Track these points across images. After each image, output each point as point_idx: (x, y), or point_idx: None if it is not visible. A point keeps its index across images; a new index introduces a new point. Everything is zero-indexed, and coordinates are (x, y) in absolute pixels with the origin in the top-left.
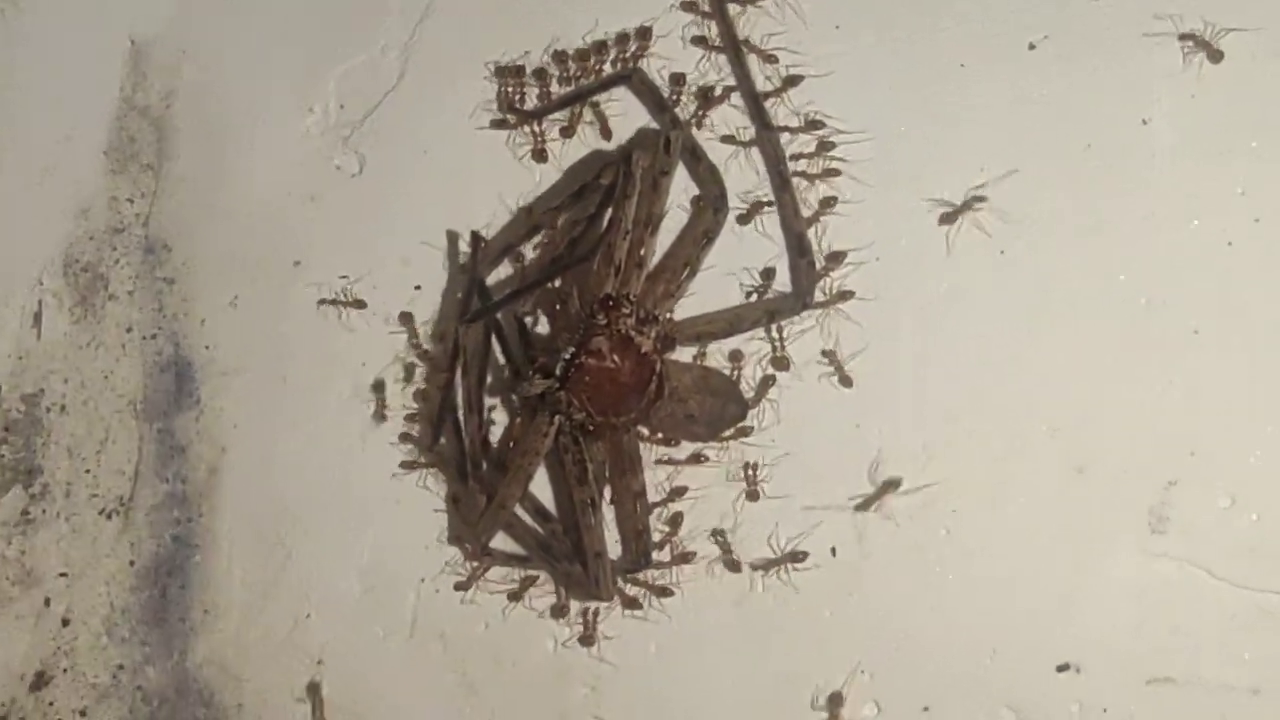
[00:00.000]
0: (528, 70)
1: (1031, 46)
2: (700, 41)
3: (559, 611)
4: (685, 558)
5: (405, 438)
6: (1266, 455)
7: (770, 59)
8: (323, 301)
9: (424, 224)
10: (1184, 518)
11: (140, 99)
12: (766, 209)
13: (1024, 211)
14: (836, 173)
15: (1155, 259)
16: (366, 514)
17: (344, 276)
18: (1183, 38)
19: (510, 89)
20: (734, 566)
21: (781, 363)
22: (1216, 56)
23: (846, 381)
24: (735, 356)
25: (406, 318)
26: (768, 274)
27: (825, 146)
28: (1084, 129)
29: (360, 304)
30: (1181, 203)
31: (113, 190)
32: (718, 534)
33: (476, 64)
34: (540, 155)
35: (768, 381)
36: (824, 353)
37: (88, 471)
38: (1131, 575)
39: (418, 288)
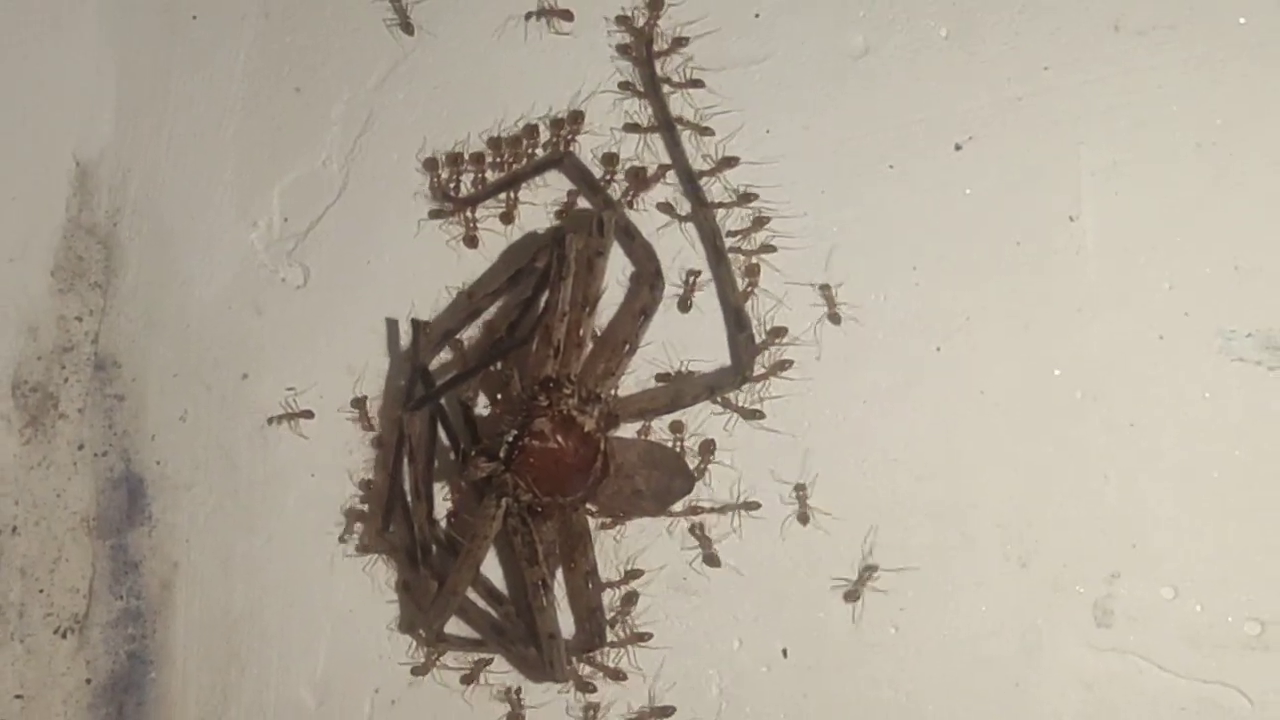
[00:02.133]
0: (465, 157)
1: (958, 147)
2: (634, 128)
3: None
4: (640, 637)
5: (356, 514)
6: (1206, 545)
7: (705, 131)
8: (271, 419)
9: (368, 333)
10: (1128, 610)
11: (87, 218)
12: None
13: (957, 307)
14: (772, 249)
15: (1088, 353)
16: (319, 625)
17: (290, 389)
18: None
19: (444, 178)
20: (713, 561)
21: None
22: None
23: (803, 519)
24: (677, 428)
25: (360, 402)
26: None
27: (760, 222)
28: (1013, 226)
29: (308, 414)
30: (1111, 297)
31: (61, 309)
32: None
33: (417, 169)
34: (471, 241)
35: (708, 447)
36: (796, 487)
37: (41, 591)
38: (1079, 668)
39: (364, 397)
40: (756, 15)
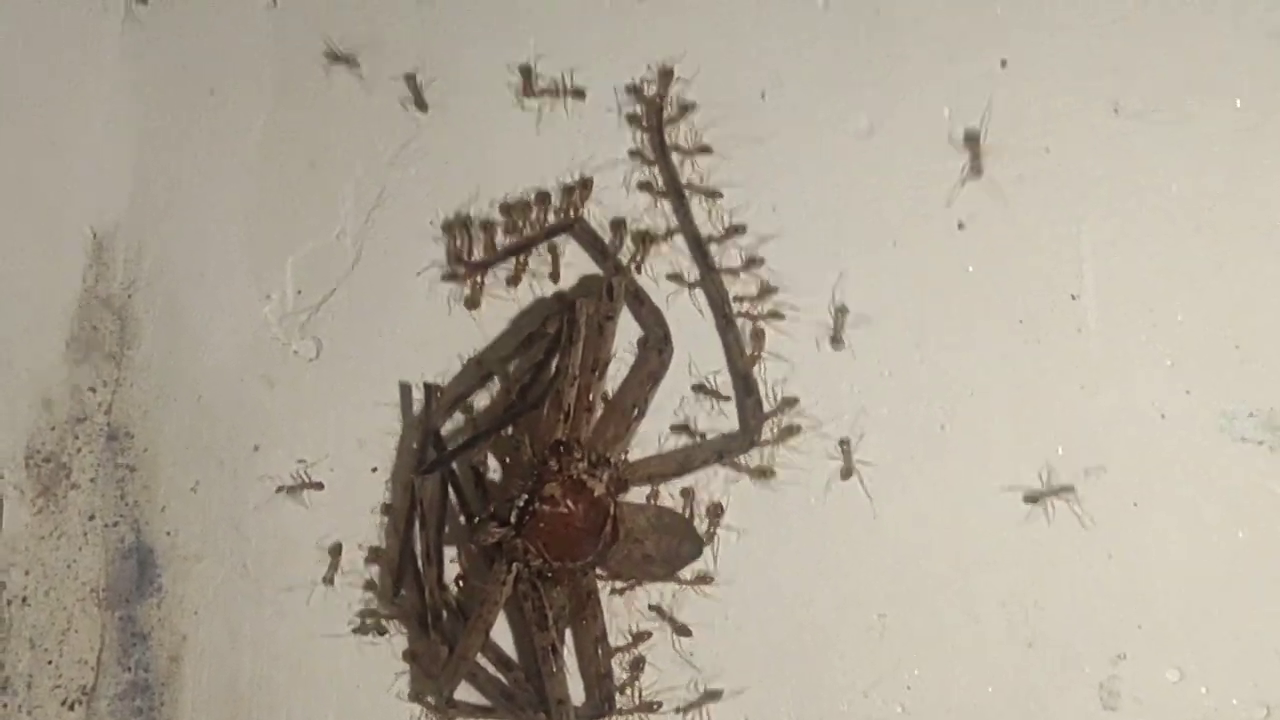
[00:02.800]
0: (475, 222)
1: (961, 225)
2: (646, 187)
3: None
4: (649, 706)
5: (369, 585)
6: (1212, 627)
7: (714, 195)
8: (280, 489)
9: (380, 405)
10: (1134, 692)
11: (102, 289)
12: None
13: (961, 383)
14: (780, 316)
15: (1091, 432)
16: (327, 697)
17: (301, 461)
18: None
19: (458, 242)
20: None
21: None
22: None
23: None
24: (687, 494)
25: (336, 549)
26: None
27: (768, 291)
28: (1015, 303)
29: (318, 486)
30: (1114, 375)
31: (75, 380)
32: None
33: (428, 241)
34: (473, 303)
35: (716, 511)
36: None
37: (50, 662)
38: None
39: (374, 470)
40: (762, 95)
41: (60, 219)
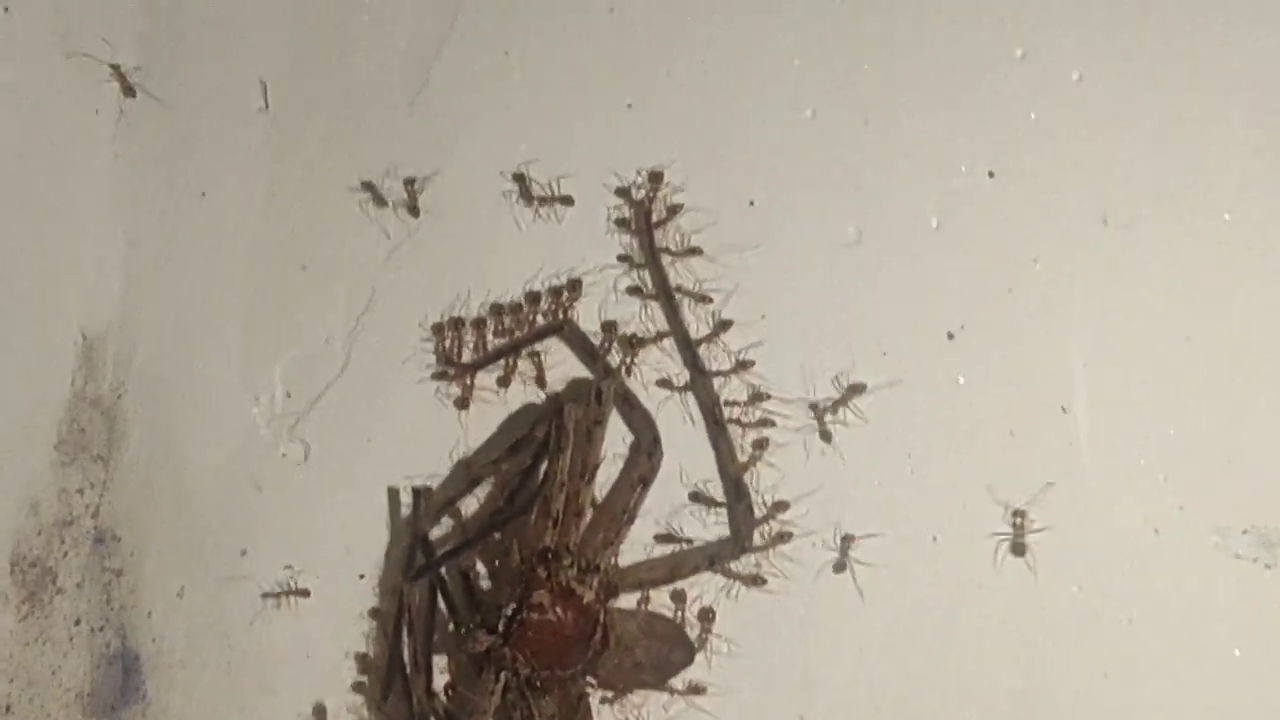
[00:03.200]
0: (466, 322)
1: (950, 335)
2: (635, 291)
3: None
4: None
5: (357, 687)
6: None
7: (704, 300)
8: (266, 595)
9: (368, 510)
10: None
11: (91, 390)
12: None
13: (953, 496)
14: (771, 423)
15: (1083, 547)
16: None
17: (288, 566)
18: None
19: (448, 343)
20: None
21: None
22: None
23: None
24: (678, 598)
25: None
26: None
27: (759, 398)
28: (1006, 415)
29: (304, 593)
30: (1106, 490)
31: (63, 483)
32: None
33: (418, 344)
34: (462, 403)
35: (708, 615)
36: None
37: None
38: None
39: (361, 576)
40: (751, 203)
41: (51, 321)
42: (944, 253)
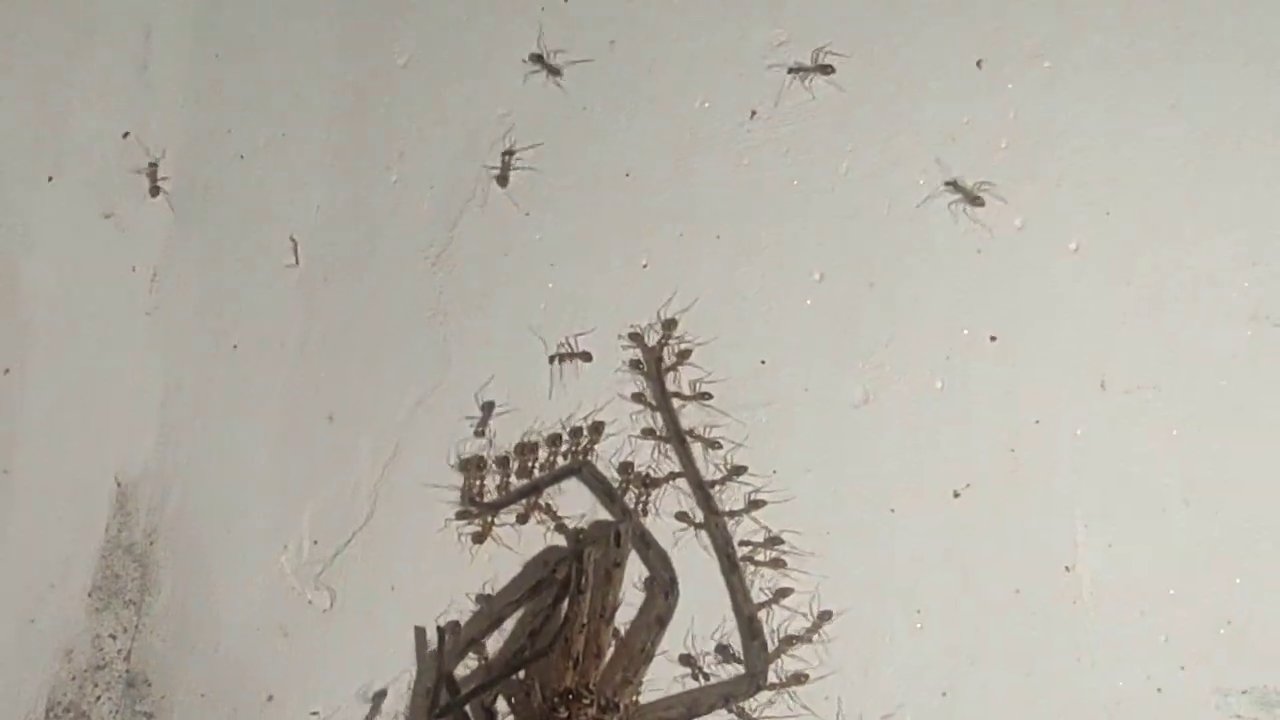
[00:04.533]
0: (489, 461)
1: (956, 494)
2: (649, 433)
3: None
4: None
5: None
6: None
7: (714, 445)
8: None
9: (393, 657)
10: None
11: (125, 537)
12: None
13: (961, 651)
14: (783, 564)
15: (1089, 704)
16: None
17: (315, 713)
18: None
19: (473, 481)
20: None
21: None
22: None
23: None
24: None
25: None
26: (723, 650)
27: (774, 541)
28: (1011, 574)
29: None
30: (1109, 648)
31: (96, 628)
32: None
33: (443, 492)
34: (480, 539)
35: None
36: None
37: None
38: None
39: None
40: (762, 362)
41: (87, 468)
42: (948, 413)
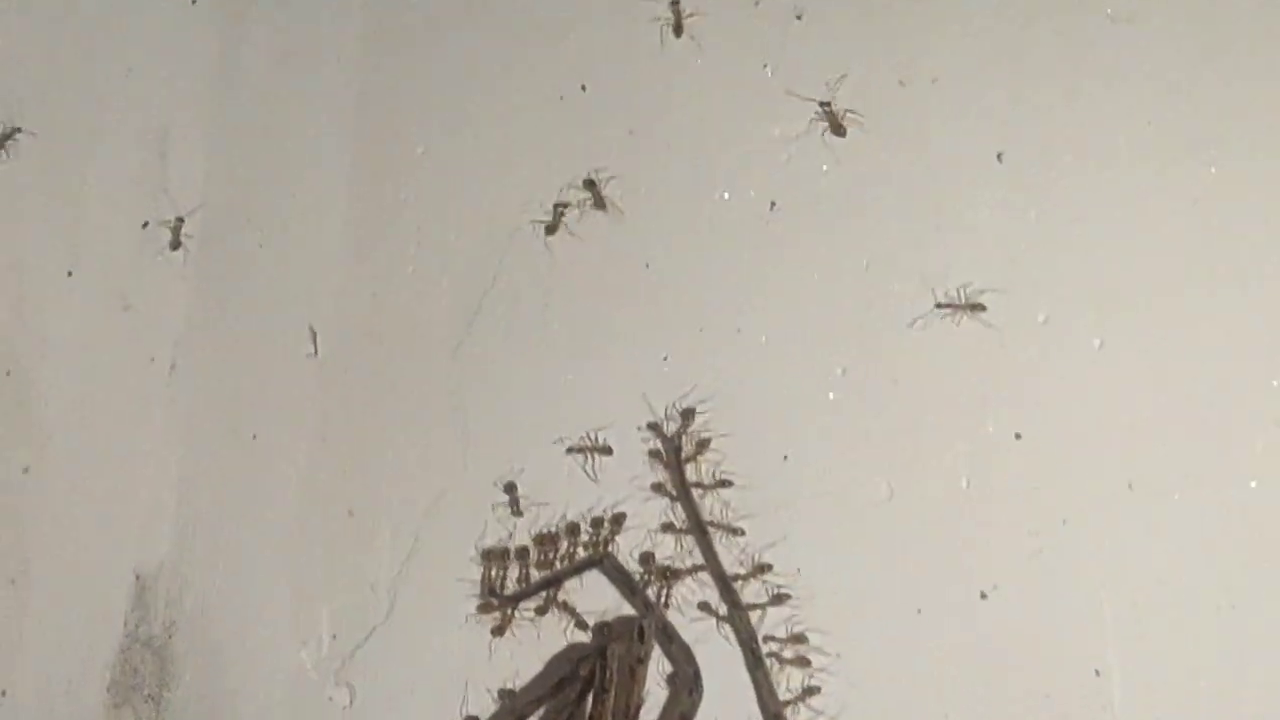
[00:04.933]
0: (510, 552)
1: (983, 595)
2: (668, 528)
3: None
4: None
5: None
6: None
7: (736, 532)
8: None
9: None
10: None
11: (144, 631)
12: None
13: None
14: (807, 662)
15: None
16: None
17: None
18: None
19: (494, 573)
20: None
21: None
22: None
23: None
24: None
25: None
26: None
27: (798, 639)
28: (1040, 678)
29: None
30: None
31: None
32: None
33: (463, 586)
34: (499, 630)
35: None
36: None
37: None
38: None
39: None
40: (785, 457)
41: (105, 562)
42: (974, 512)
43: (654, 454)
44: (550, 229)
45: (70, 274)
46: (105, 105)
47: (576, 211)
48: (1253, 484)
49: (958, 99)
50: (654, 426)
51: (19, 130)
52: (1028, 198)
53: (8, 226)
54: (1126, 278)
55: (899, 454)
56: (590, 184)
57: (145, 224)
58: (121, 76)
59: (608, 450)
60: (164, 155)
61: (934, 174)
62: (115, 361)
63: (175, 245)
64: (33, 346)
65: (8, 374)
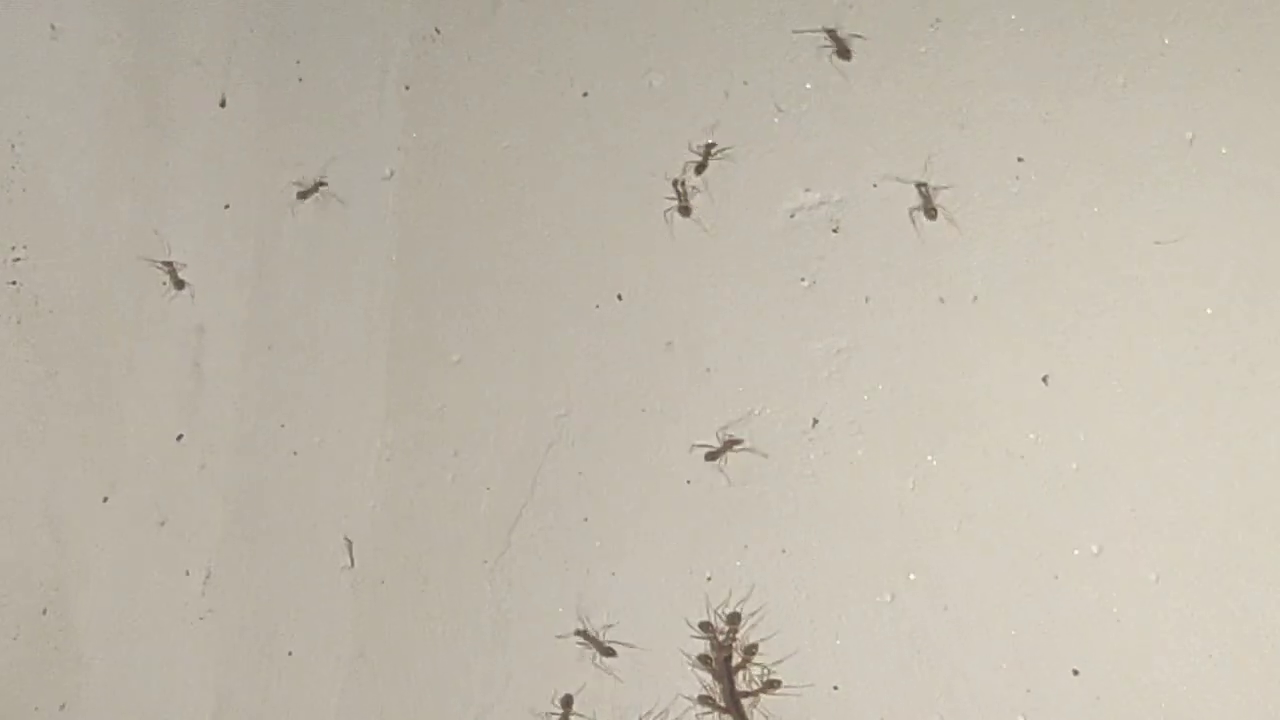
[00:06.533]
0: None
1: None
2: (707, 700)
3: None
4: None
5: None
6: None
7: None
8: None
9: None
10: None
11: None
12: None
13: None
14: None
15: None
16: None
17: None
18: None
19: None
20: None
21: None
22: None
23: None
24: None
25: None
26: None
27: None
28: None
29: None
30: None
31: None
32: None
33: None
34: None
35: None
36: None
37: None
38: None
39: None
40: (835, 688)
41: None
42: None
43: (703, 659)
44: (684, 211)
45: (106, 499)
46: (140, 315)
47: (617, 421)
48: None
49: (1003, 322)
50: (706, 626)
51: None
52: (1075, 422)
53: (43, 453)
54: (1178, 509)
55: (952, 689)
56: None
57: (180, 436)
58: (157, 291)
59: (612, 652)
60: (197, 363)
61: (979, 395)
62: (151, 577)
63: (179, 285)
64: (68, 580)
65: (44, 613)
